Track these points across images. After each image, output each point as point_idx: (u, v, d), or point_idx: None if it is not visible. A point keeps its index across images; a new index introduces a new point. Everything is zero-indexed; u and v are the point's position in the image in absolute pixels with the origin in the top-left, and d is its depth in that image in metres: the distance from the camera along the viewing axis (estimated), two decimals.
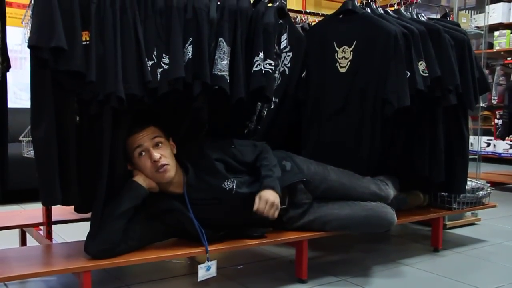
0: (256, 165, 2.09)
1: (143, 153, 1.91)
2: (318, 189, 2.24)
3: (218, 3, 2.04)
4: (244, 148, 2.12)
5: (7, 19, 1.90)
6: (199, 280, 1.94)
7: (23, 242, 2.52)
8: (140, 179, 1.92)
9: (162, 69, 1.89)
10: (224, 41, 1.99)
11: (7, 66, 1.89)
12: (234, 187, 2.01)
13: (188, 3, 1.95)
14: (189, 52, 1.94)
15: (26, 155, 2.25)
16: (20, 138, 2.26)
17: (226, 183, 2.01)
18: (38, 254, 2.04)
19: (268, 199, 1.96)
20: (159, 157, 1.89)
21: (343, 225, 2.22)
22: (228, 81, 2.00)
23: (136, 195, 1.90)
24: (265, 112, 2.34)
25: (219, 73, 1.97)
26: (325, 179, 2.26)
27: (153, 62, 1.87)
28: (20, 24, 2.06)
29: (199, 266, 1.94)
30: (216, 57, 1.98)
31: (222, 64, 1.98)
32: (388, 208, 2.26)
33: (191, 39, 1.95)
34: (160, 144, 1.92)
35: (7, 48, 1.88)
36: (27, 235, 2.50)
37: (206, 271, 1.95)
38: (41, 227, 2.35)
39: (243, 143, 2.16)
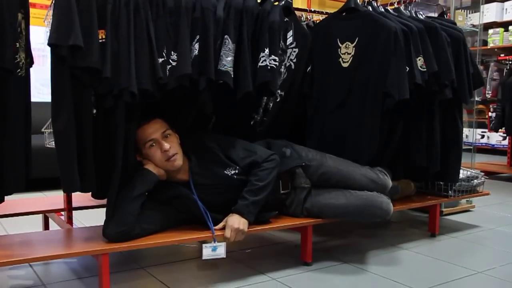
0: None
1: (154, 145, 1.91)
2: (315, 174, 2.22)
3: (225, 2, 2.01)
4: (241, 151, 2.05)
5: (31, 19, 1.89)
6: (203, 258, 1.91)
7: (46, 226, 2.53)
8: (150, 167, 1.93)
9: (170, 66, 1.88)
10: (229, 39, 1.97)
11: (30, 62, 1.88)
12: (236, 173, 2.02)
13: (196, 3, 1.93)
14: (196, 50, 1.93)
15: (48, 146, 2.24)
16: (42, 130, 2.24)
17: (228, 170, 2.02)
18: (59, 237, 2.04)
19: (232, 226, 1.92)
20: (169, 147, 1.90)
21: (339, 214, 2.19)
22: (233, 76, 1.98)
23: (148, 181, 1.91)
24: (271, 104, 2.32)
25: (223, 68, 1.96)
26: (322, 164, 2.23)
27: (163, 59, 1.86)
28: (43, 24, 2.05)
29: (204, 245, 1.91)
30: (221, 53, 1.97)
31: (227, 60, 1.96)
32: (384, 197, 2.19)
33: (198, 36, 1.93)
34: (168, 136, 1.93)
35: (30, 45, 1.87)
36: (50, 220, 2.51)
37: (212, 251, 1.91)
38: (62, 213, 2.35)
39: (246, 146, 2.10)
